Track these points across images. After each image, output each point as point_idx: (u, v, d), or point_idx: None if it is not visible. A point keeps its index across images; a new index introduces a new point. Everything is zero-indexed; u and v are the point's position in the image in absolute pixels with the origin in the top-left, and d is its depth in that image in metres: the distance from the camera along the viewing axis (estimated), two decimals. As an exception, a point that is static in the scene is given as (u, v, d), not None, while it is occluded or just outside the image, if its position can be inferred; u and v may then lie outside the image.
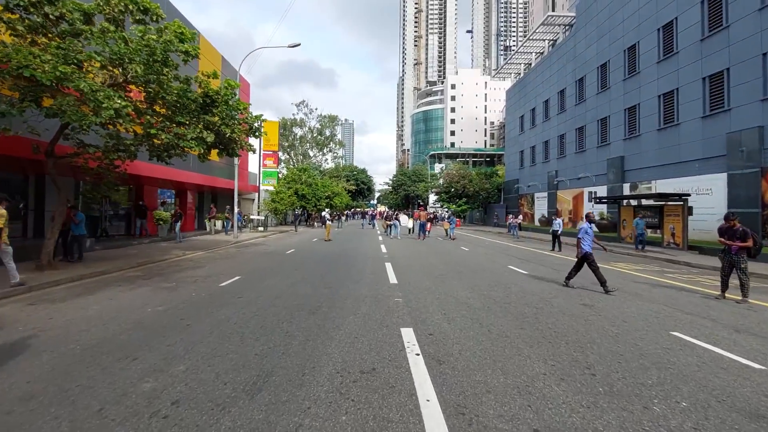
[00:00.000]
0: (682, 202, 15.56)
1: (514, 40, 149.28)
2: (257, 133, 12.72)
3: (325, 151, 56.24)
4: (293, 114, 56.76)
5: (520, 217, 29.76)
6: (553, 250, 16.41)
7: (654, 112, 20.33)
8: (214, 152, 13.36)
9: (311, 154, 55.32)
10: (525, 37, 39.93)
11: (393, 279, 8.43)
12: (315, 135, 53.78)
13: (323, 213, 21.21)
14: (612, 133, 23.98)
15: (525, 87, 38.11)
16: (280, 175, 36.93)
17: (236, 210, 19.22)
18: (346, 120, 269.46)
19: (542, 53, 37.15)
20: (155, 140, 10.75)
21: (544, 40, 36.26)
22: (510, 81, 46.97)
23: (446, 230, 23.62)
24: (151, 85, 10.10)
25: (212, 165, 25.11)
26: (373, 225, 31.02)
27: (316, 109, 51.59)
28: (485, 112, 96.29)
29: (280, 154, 52.65)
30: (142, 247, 14.27)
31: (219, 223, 23.43)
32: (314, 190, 35.83)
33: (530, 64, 40.23)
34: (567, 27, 33.20)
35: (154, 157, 12.04)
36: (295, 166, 41.13)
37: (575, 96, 28.41)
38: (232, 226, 19.66)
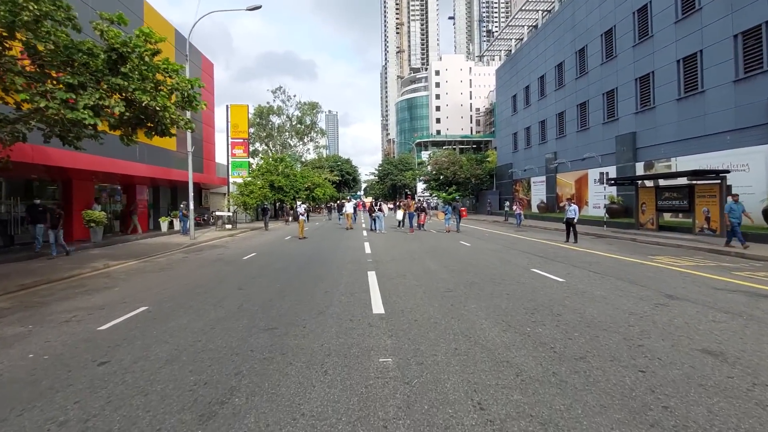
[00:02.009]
0: (719, 181, 13.11)
1: (496, 26, 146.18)
2: (194, 104, 9.61)
3: (306, 140, 52.57)
4: (268, 102, 52.81)
5: (517, 203, 27.25)
6: (567, 241, 13.88)
7: (672, 80, 17.81)
8: (163, 139, 10.31)
9: (291, 143, 51.60)
10: (507, 20, 36.73)
11: (378, 305, 5.52)
12: (294, 123, 50.05)
13: (298, 207, 18.06)
14: (620, 107, 21.47)
15: (517, 64, 35.37)
16: (254, 166, 33.54)
17: (191, 206, 16.03)
18: (329, 111, 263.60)
19: (535, 25, 34.37)
20: (47, 114, 7.61)
21: (537, 11, 33.46)
22: (496, 64, 44.29)
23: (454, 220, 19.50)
24: (22, 31, 6.96)
25: (169, 155, 21.74)
26: (354, 220, 25.32)
27: (294, 96, 47.84)
28: (470, 98, 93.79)
29: (258, 145, 48.86)
30: (58, 258, 11.05)
31: (176, 222, 20.17)
32: (292, 181, 32.59)
33: (521, 39, 37.45)
34: (563, -6, 30.41)
35: (53, 138, 8.99)
36: (271, 156, 37.61)
37: (575, 69, 25.80)
38: (190, 225, 16.39)
